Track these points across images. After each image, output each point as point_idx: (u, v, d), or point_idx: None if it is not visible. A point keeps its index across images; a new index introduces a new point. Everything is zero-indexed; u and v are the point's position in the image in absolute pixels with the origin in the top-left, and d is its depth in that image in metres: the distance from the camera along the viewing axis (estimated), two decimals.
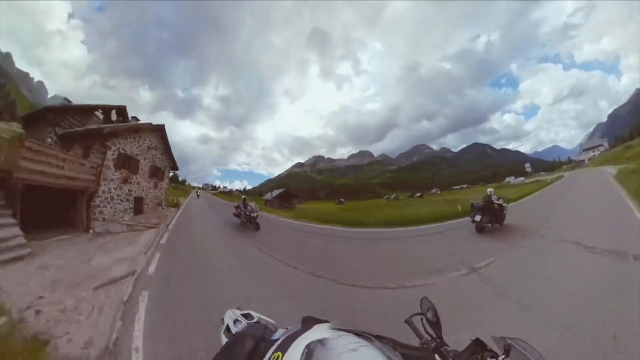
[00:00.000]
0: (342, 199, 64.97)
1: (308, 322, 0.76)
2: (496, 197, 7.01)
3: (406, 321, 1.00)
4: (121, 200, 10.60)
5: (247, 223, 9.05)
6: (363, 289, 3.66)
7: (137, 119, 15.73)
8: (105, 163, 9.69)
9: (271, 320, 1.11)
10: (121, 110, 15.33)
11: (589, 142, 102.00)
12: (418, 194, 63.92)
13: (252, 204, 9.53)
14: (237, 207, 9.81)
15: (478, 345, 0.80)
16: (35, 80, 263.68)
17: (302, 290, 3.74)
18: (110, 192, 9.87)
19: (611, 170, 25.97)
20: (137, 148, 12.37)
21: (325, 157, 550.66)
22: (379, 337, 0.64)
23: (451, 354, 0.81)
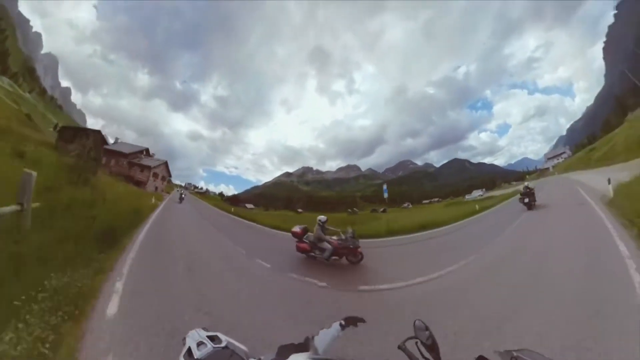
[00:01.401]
0: (300, 209, 65.38)
1: (284, 351, 0.70)
2: (530, 185, 12.02)
3: (400, 347, 0.90)
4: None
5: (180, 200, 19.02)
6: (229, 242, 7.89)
7: (152, 154, 38.17)
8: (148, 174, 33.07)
9: (242, 346, 0.95)
10: (147, 151, 37.34)
11: (552, 151, 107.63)
12: (381, 209, 59.80)
13: (186, 191, 21.89)
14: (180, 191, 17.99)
15: None
16: (34, 30, 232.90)
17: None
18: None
19: (582, 178, 19.76)
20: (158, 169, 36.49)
21: (314, 168, 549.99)
22: None
23: None
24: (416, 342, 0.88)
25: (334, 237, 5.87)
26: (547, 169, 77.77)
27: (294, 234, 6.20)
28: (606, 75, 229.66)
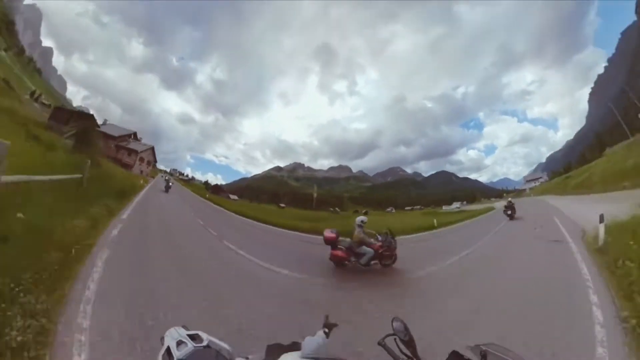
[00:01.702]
0: (282, 204, 65.81)
1: (273, 351, 0.69)
2: (511, 201, 14.95)
3: (379, 343, 0.94)
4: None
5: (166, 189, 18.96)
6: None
7: (139, 138, 38.77)
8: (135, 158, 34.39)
9: (225, 345, 0.91)
10: (135, 134, 38.36)
11: (531, 174, 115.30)
12: (364, 211, 61.35)
13: (171, 178, 23.54)
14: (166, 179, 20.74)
15: (456, 357, 0.79)
16: None
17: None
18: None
19: (558, 204, 17.88)
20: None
21: (306, 165, 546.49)
22: None
23: None
24: (395, 339, 0.91)
25: (371, 240, 5.40)
26: (524, 190, 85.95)
27: (328, 240, 5.23)
28: (588, 117, 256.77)
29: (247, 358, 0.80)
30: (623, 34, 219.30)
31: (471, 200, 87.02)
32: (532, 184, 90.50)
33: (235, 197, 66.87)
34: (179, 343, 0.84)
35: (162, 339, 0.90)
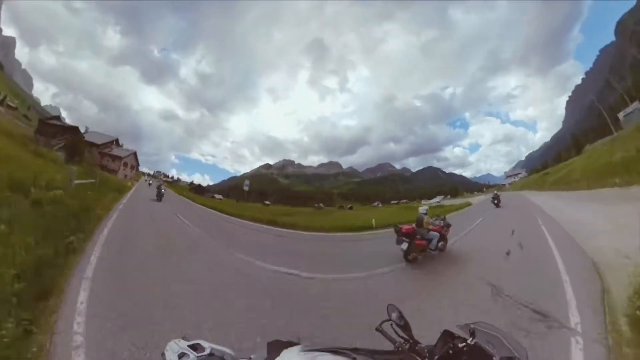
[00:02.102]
0: (267, 202, 69.22)
1: (274, 348, 0.70)
2: (497, 193, 19.19)
3: (377, 329, 1.01)
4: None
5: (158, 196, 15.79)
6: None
7: (121, 144, 40.47)
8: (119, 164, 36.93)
9: (228, 350, 0.92)
10: (117, 141, 39.49)
11: (511, 170, 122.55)
12: (349, 206, 61.55)
13: (163, 184, 19.07)
14: (155, 185, 20.50)
15: (447, 335, 0.86)
16: None
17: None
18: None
19: (538, 201, 17.61)
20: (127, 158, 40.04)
21: (296, 162, 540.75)
22: (355, 350, 0.63)
23: (426, 350, 0.85)
24: (391, 324, 0.98)
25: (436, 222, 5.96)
26: (504, 184, 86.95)
27: (406, 232, 5.21)
28: (564, 122, 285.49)
29: (250, 358, 0.82)
30: (601, 51, 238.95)
31: (454, 194, 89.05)
32: (512, 179, 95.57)
33: (220, 197, 69.42)
34: (181, 356, 0.83)
35: (163, 354, 0.88)
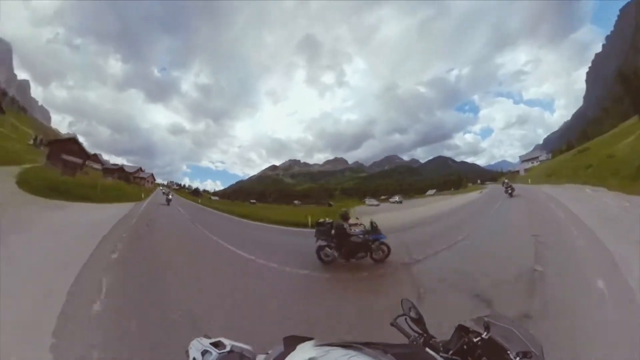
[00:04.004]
0: (253, 200, 77.32)
1: (290, 343, 0.74)
2: (506, 181, 19.35)
3: (391, 324, 1.02)
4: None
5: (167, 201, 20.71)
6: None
7: (143, 170, 66.64)
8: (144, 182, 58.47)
9: (247, 347, 0.97)
10: (141, 168, 68.15)
11: (528, 154, 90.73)
12: (328, 203, 55.25)
13: (168, 190, 30.34)
14: (165, 193, 25.65)
15: (462, 330, 0.86)
16: None
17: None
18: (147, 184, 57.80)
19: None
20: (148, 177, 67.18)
21: (302, 161, 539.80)
22: (367, 344, 0.64)
23: (440, 344, 0.85)
24: (405, 319, 0.99)
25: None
26: (517, 171, 68.07)
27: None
28: (585, 97, 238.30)
29: (267, 353, 0.83)
30: (622, 11, 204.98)
31: (457, 185, 77.50)
32: (529, 164, 70.13)
33: (217, 198, 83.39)
34: (204, 353, 0.88)
35: (187, 352, 0.94)
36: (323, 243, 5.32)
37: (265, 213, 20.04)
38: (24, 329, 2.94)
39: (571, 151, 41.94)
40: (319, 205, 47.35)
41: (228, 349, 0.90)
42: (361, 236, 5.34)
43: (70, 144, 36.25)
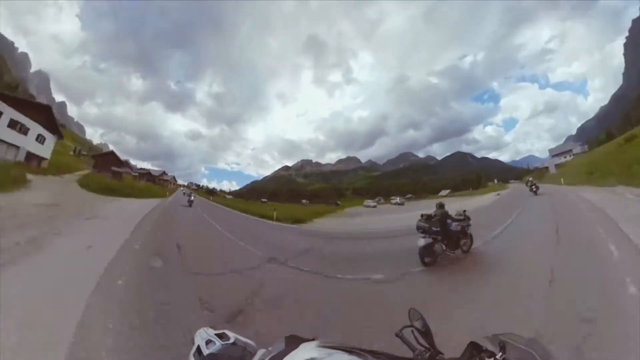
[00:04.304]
0: (264, 199, 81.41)
1: (292, 342, 0.73)
2: (530, 179, 19.97)
3: (397, 334, 0.96)
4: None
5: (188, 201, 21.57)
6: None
7: (167, 173, 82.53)
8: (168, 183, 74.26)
9: (250, 341, 1.01)
10: (165, 172, 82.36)
11: (558, 147, 73.04)
12: (337, 203, 57.06)
13: (188, 190, 43.70)
14: (187, 194, 26.68)
15: (474, 348, 0.78)
16: (20, 50, 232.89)
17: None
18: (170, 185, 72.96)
19: None
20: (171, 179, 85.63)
21: (314, 161, 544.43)
22: (371, 352, 0.61)
23: None
24: (412, 330, 0.93)
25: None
26: (546, 168, 56.47)
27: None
28: (625, 75, 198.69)
29: (268, 349, 0.84)
30: None
31: (476, 185, 65.13)
32: (561, 159, 57.20)
33: (231, 197, 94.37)
34: (208, 342, 0.93)
35: (193, 339, 0.99)
36: (429, 240, 4.49)
37: (255, 208, 25.49)
38: (123, 232, 7.49)
39: (613, 141, 33.51)
40: (328, 205, 49.22)
41: (231, 341, 0.93)
42: (459, 224, 5.00)
43: (110, 155, 46.57)
